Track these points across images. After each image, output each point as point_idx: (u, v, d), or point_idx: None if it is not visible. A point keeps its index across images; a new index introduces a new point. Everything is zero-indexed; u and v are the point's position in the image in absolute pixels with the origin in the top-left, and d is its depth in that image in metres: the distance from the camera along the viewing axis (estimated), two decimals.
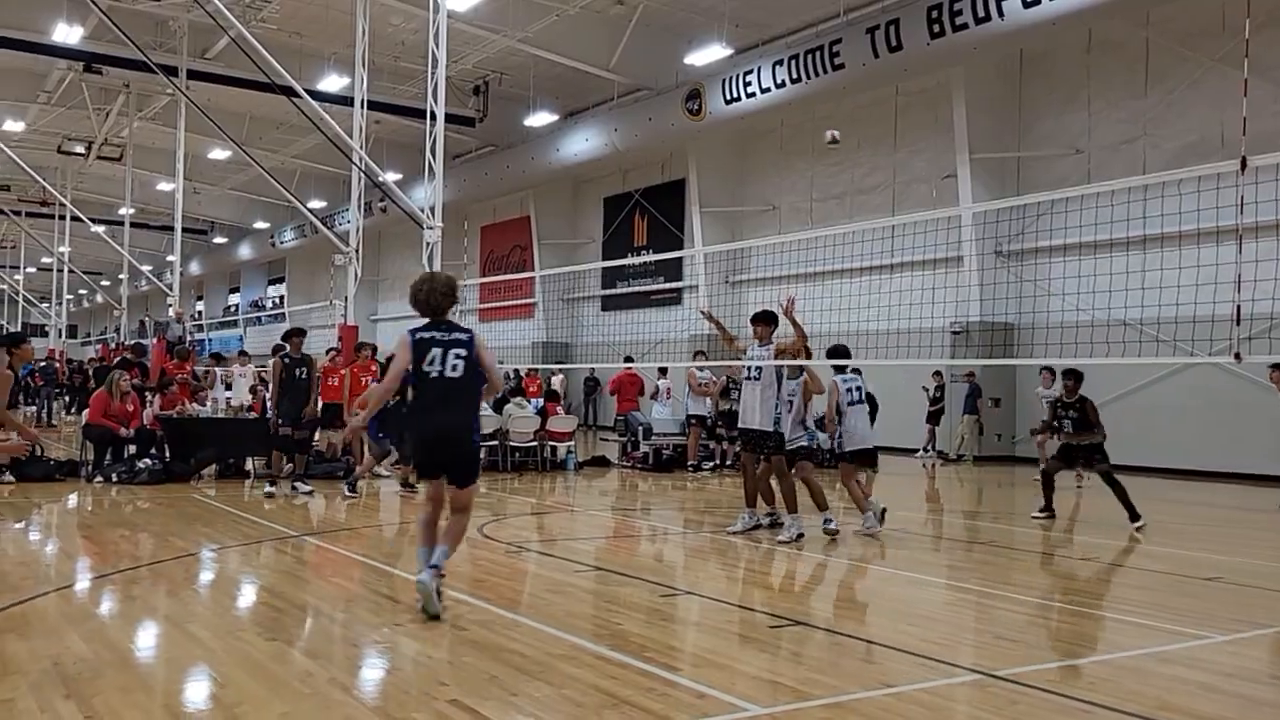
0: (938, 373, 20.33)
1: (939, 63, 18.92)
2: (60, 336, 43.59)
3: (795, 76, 20.20)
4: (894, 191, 22.06)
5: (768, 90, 20.95)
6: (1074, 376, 10.87)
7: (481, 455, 15.76)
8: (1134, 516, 10.38)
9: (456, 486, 6.21)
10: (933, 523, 12.07)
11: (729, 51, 21.46)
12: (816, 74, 19.78)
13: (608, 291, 29.79)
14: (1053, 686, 4.85)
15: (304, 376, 12.11)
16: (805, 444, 9.83)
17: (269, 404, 12.91)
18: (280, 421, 12.03)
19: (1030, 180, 19.47)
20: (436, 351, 6.11)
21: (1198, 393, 16.38)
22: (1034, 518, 11.10)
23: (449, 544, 6.15)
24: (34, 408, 26.24)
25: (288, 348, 12.33)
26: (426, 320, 6.27)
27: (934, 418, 20.56)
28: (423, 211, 17.11)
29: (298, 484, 12.25)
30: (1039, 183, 18.86)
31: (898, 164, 22.14)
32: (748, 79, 21.28)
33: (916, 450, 20.69)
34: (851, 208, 22.77)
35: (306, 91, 18.39)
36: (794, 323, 9.34)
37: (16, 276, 48.84)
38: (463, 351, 6.15)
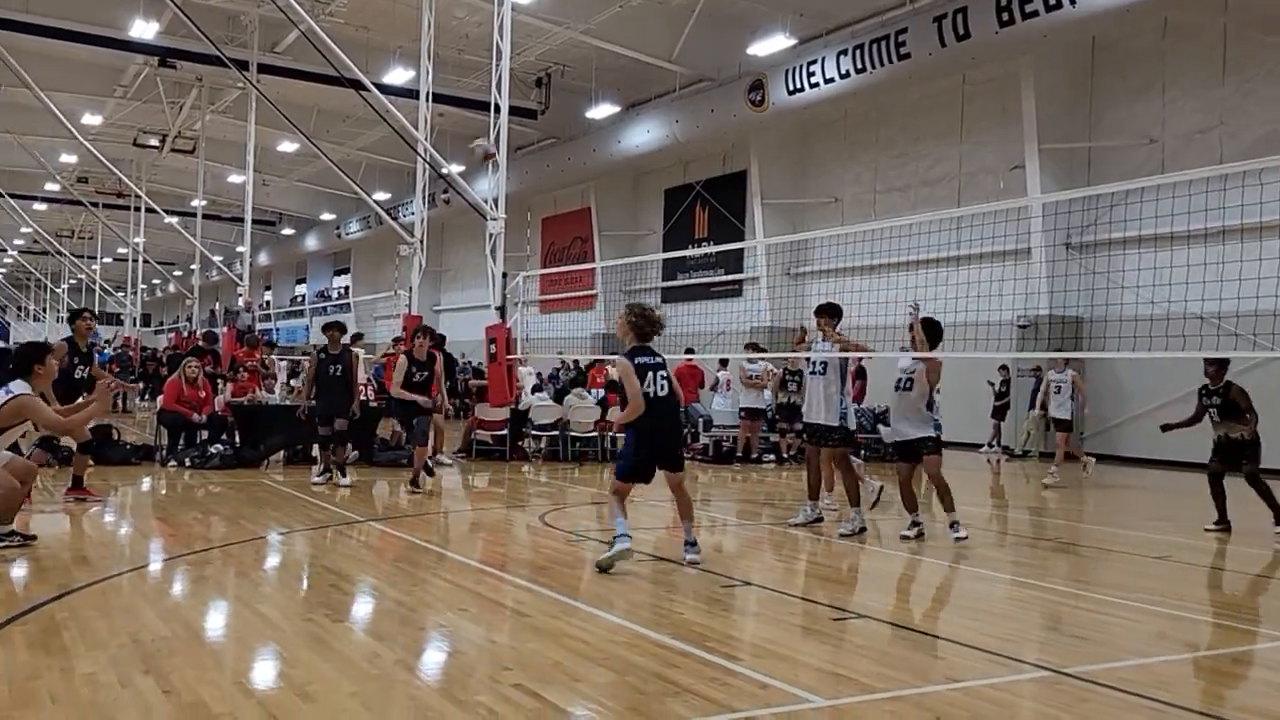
0: (1003, 367, 20.01)
1: (1008, 51, 18.57)
2: (135, 325, 44.73)
3: (860, 67, 19.98)
4: (960, 183, 21.73)
5: (831, 81, 20.75)
6: (1216, 364, 10.10)
7: (539, 443, 16.01)
8: None
9: (674, 472, 7.51)
10: (997, 519, 11.89)
11: (792, 42, 21.31)
12: (882, 64, 19.54)
13: (668, 283, 29.77)
14: (1124, 685, 4.75)
15: (339, 373, 11.80)
16: (934, 435, 9.05)
17: (303, 399, 12.62)
18: (316, 420, 11.81)
19: (1101, 171, 19.04)
20: (650, 375, 7.32)
21: (1276, 389, 15.88)
22: (1207, 530, 10.08)
23: (689, 518, 7.62)
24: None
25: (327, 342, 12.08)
26: (637, 345, 7.46)
27: (999, 413, 20.25)
28: (486, 203, 17.26)
29: (339, 476, 11.84)
30: (1110, 173, 18.44)
31: (964, 155, 21.80)
32: (811, 69, 21.10)
33: (981, 446, 20.41)
34: (916, 200, 22.48)
35: (373, 84, 18.64)
36: (845, 341, 9.49)
37: (94, 266, 50.23)
38: (665, 373, 7.43)
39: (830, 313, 9.62)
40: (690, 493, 7.81)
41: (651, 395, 7.28)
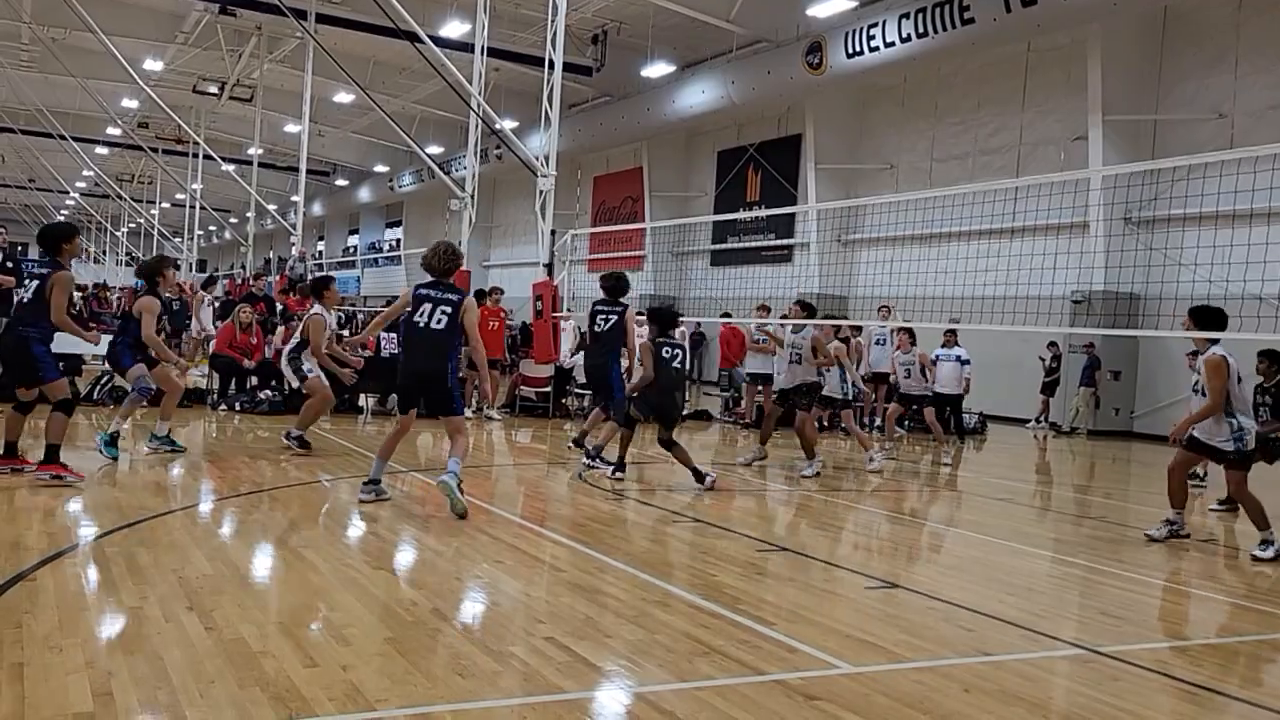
0: (1053, 343, 19.73)
1: (1076, 19, 18.10)
2: (191, 270, 45.44)
3: (922, 31, 19.60)
4: (1019, 153, 21.31)
5: (892, 45, 20.38)
6: (1268, 357, 9.74)
7: (581, 401, 16.09)
8: None
9: (442, 415, 7.73)
10: (1041, 495, 11.78)
11: (853, 3, 20.91)
12: (944, 29, 19.15)
13: (718, 246, 29.62)
14: (1159, 666, 4.71)
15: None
16: (1231, 447, 7.78)
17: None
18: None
19: (1167, 145, 18.55)
20: (426, 305, 7.51)
21: None
22: (1212, 510, 10.02)
23: (456, 454, 7.52)
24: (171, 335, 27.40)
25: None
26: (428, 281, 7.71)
27: (1048, 389, 20.01)
28: (537, 160, 17.25)
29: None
30: (1176, 148, 17.96)
31: (1025, 125, 21.35)
32: (871, 33, 20.74)
33: (1028, 420, 20.20)
34: (974, 169, 22.10)
35: (429, 37, 18.63)
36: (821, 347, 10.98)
37: (153, 211, 51.01)
38: (448, 309, 7.47)
39: (805, 307, 11.22)
40: (467, 442, 7.72)
41: (420, 325, 7.31)
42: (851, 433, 12.63)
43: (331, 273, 48.20)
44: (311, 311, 10.48)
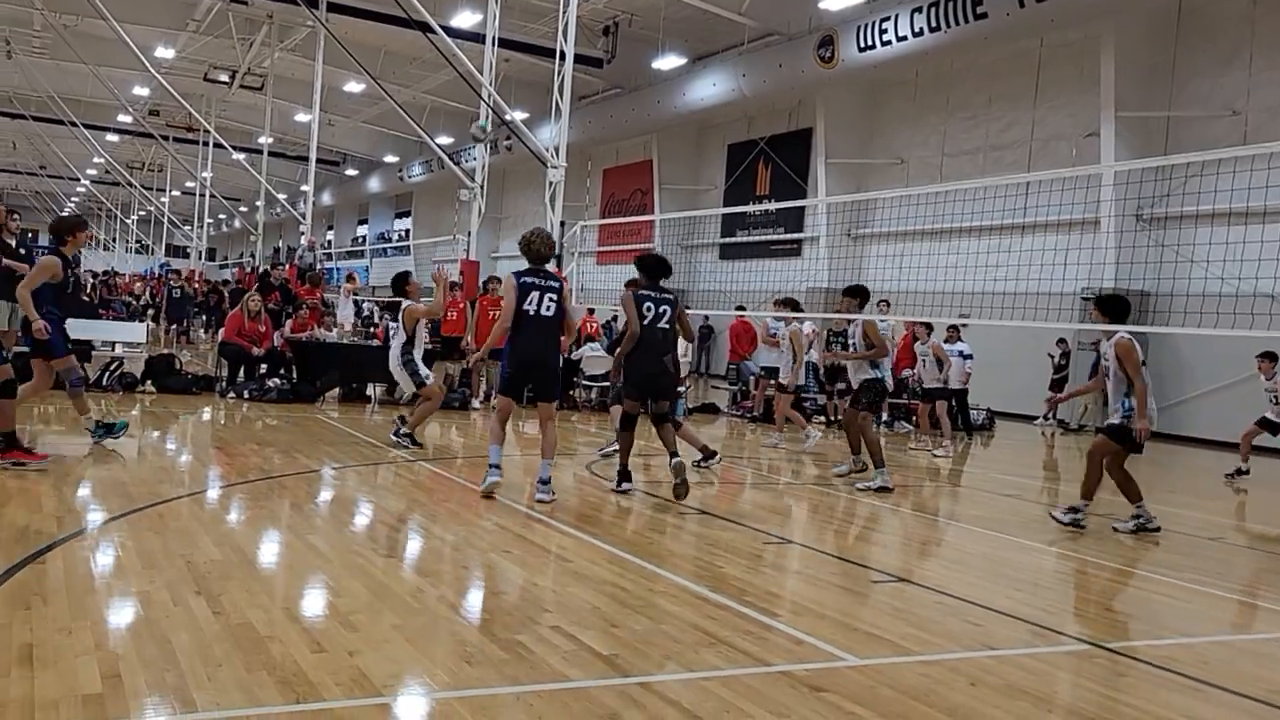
0: (1062, 340, 19.68)
1: (1090, 14, 18.01)
2: (200, 258, 45.56)
3: (934, 25, 19.53)
4: (1031, 149, 21.22)
5: (904, 39, 20.32)
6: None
7: (589, 393, 16.11)
8: None
9: (544, 402, 8.15)
10: (1048, 491, 11.75)
11: None
12: (957, 23, 19.08)
13: (727, 239, 29.58)
14: (1164, 662, 4.70)
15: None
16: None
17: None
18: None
19: (1180, 142, 18.45)
20: (535, 294, 7.69)
21: None
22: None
23: (547, 456, 7.92)
24: (171, 324, 27.42)
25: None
26: (528, 267, 7.80)
27: (1057, 385, 19.95)
28: (547, 151, 17.25)
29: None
30: (1189, 145, 17.85)
31: (1037, 120, 21.26)
32: (884, 26, 20.68)
33: (1036, 417, 20.15)
34: (985, 164, 22.01)
35: (440, 27, 18.61)
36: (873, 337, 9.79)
37: (163, 199, 51.13)
38: (554, 296, 7.73)
39: (853, 294, 10.20)
40: (555, 433, 8.02)
41: (531, 313, 7.53)
42: (788, 417, 13.18)
43: (350, 263, 48.31)
44: (405, 305, 10.65)
